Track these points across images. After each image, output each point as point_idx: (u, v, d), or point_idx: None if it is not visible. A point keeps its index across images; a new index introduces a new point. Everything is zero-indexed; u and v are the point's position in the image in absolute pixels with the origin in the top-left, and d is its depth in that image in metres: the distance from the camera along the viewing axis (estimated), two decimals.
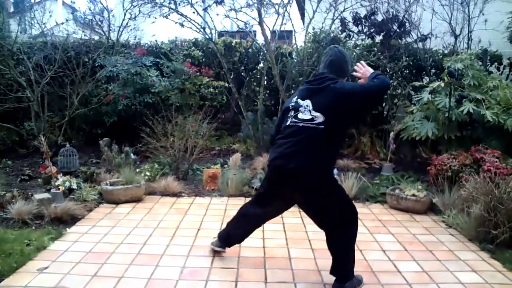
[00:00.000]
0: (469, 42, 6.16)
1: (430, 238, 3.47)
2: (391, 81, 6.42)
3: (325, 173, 2.43)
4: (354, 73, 2.65)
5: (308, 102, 2.42)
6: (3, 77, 6.00)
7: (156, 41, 7.16)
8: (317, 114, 2.36)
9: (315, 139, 2.35)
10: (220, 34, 8.01)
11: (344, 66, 2.54)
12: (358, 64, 2.66)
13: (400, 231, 3.62)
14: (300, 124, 2.40)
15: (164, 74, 6.41)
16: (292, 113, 2.48)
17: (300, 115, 2.42)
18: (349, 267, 2.49)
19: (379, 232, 3.57)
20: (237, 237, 2.93)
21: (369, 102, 2.54)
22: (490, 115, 4.47)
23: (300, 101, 2.48)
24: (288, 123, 2.48)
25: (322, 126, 2.34)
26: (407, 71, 6.44)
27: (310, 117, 2.38)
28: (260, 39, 6.66)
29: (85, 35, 6.81)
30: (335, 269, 2.51)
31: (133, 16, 6.77)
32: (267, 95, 7.18)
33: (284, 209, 2.76)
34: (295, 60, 6.26)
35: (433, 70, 6.25)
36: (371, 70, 2.56)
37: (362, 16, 5.89)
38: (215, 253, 3.01)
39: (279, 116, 2.77)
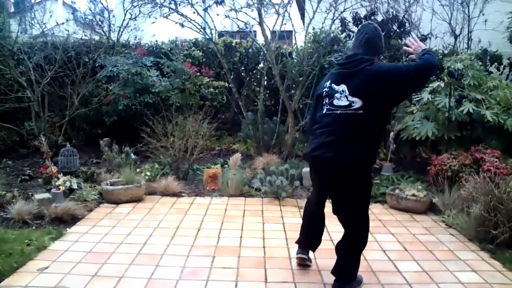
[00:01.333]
0: (469, 42, 6.16)
1: (430, 238, 3.47)
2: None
3: (367, 162, 2.33)
4: (405, 48, 2.47)
5: (343, 87, 2.27)
6: (3, 77, 6.01)
7: (156, 41, 7.17)
8: (355, 99, 2.22)
9: (355, 126, 2.22)
10: (220, 34, 8.01)
11: (379, 44, 2.38)
12: (409, 39, 2.49)
13: (400, 231, 3.62)
14: (338, 112, 2.27)
15: (165, 74, 6.42)
16: (326, 100, 2.34)
17: (336, 102, 2.28)
18: (354, 270, 2.49)
19: (379, 232, 3.57)
20: (317, 238, 2.80)
21: (414, 82, 2.27)
22: (490, 115, 4.47)
23: (334, 86, 2.33)
24: (324, 111, 2.35)
25: (361, 111, 2.20)
26: None
27: (347, 103, 2.24)
28: (260, 39, 6.67)
29: (85, 35, 6.82)
30: (339, 269, 2.48)
31: (133, 16, 6.77)
32: (267, 95, 7.18)
33: (325, 189, 2.64)
34: (295, 60, 6.26)
35: None
36: (423, 46, 2.38)
37: (362, 16, 5.90)
38: (301, 263, 2.87)
39: (312, 105, 2.61)
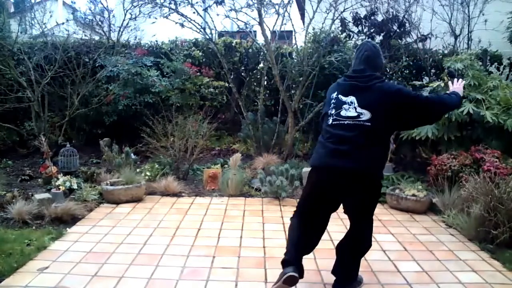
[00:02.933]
0: (469, 42, 6.16)
1: (430, 238, 3.47)
2: (392, 80, 6.44)
3: (375, 173, 2.33)
4: (446, 80, 2.57)
5: (352, 99, 2.28)
6: (3, 77, 6.01)
7: (156, 41, 7.17)
8: (364, 111, 2.24)
9: (365, 137, 2.22)
10: (220, 34, 8.00)
11: (378, 61, 2.44)
12: (458, 80, 2.61)
13: (400, 231, 3.62)
14: (345, 122, 2.27)
15: (165, 74, 6.42)
16: (333, 111, 2.33)
17: (343, 112, 2.28)
18: (355, 270, 2.50)
19: (379, 232, 3.57)
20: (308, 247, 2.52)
21: (422, 113, 2.34)
22: (490, 115, 4.47)
23: (342, 97, 2.33)
24: (330, 122, 2.33)
25: (369, 124, 2.22)
26: (407, 71, 6.44)
27: (356, 114, 2.25)
28: (260, 39, 6.66)
29: (85, 35, 6.82)
30: (340, 269, 2.49)
31: (133, 16, 6.77)
32: (267, 95, 7.18)
33: (331, 212, 2.48)
34: (295, 60, 6.26)
35: (433, 70, 6.25)
36: (460, 90, 2.53)
37: (362, 16, 5.90)
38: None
39: (321, 116, 2.52)
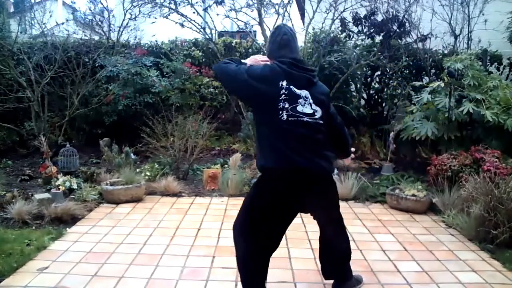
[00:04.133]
0: (469, 42, 6.15)
1: (430, 238, 3.47)
2: (392, 81, 6.44)
3: (331, 172, 2.20)
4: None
5: (306, 93, 2.07)
6: (3, 77, 6.01)
7: (156, 41, 7.16)
8: (317, 108, 2.08)
9: (319, 136, 2.08)
10: (220, 34, 8.00)
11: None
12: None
13: (400, 231, 3.62)
14: (304, 119, 2.03)
15: (164, 74, 6.41)
16: (287, 104, 2.01)
17: (300, 108, 2.03)
18: (348, 266, 2.48)
19: (379, 232, 3.57)
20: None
21: (330, 129, 2.18)
22: (490, 115, 4.47)
23: (295, 89, 2.04)
24: (284, 117, 1.99)
25: (322, 122, 2.09)
26: (407, 71, 6.44)
27: (311, 111, 2.06)
28: (260, 39, 6.66)
29: (85, 35, 6.81)
30: (334, 269, 2.47)
31: (133, 16, 6.76)
32: None
33: (289, 223, 2.21)
34: None
35: (433, 70, 6.25)
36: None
37: (362, 16, 5.89)
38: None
39: (254, 103, 2.17)
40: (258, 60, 2.22)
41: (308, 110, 2.05)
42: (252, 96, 2.09)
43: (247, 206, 2.16)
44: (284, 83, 2.03)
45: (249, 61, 2.22)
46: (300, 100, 2.04)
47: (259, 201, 2.09)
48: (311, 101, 2.07)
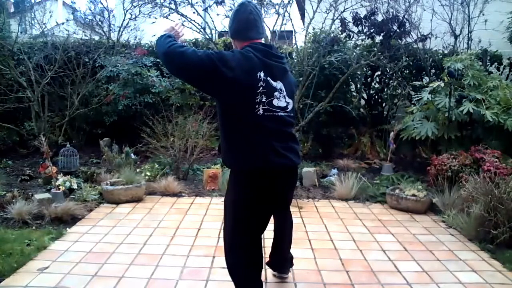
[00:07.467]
0: (469, 42, 6.16)
1: (430, 238, 3.47)
2: (392, 81, 6.44)
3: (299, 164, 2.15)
4: None
5: (281, 85, 1.92)
6: (3, 77, 6.02)
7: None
8: (289, 100, 1.96)
9: (291, 129, 2.01)
10: (221, 34, 7.99)
11: None
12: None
13: (400, 231, 3.62)
14: (279, 113, 1.90)
15: (165, 74, 6.41)
16: (263, 98, 1.84)
17: (275, 102, 1.89)
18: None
19: (379, 232, 3.57)
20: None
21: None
22: (490, 115, 4.47)
23: (271, 81, 1.87)
24: (261, 112, 1.84)
25: (292, 114, 2.01)
26: (407, 71, 6.45)
27: (285, 104, 1.93)
28: None
29: (85, 35, 6.82)
30: (288, 257, 2.64)
31: (133, 16, 6.78)
32: None
33: (270, 217, 2.19)
34: (295, 60, 6.26)
35: (433, 70, 6.26)
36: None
37: (362, 16, 5.89)
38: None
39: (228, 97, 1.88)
40: (176, 30, 2.00)
41: (282, 103, 1.92)
42: (224, 88, 1.80)
43: (232, 212, 2.05)
44: (262, 74, 1.84)
45: (167, 31, 1.97)
46: (276, 93, 1.89)
47: (244, 201, 1.98)
48: (285, 93, 1.93)
